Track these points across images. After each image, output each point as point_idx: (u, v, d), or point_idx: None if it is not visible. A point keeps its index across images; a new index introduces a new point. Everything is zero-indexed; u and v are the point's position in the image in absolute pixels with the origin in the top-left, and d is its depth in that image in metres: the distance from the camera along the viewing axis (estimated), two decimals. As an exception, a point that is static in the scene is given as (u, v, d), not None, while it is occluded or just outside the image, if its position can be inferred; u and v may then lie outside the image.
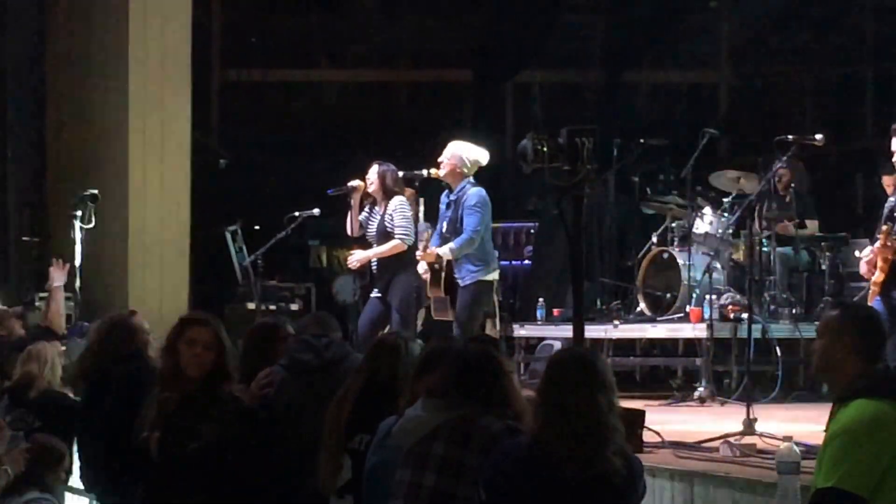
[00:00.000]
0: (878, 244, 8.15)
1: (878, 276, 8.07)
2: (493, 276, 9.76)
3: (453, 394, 4.68)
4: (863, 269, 8.31)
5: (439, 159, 9.72)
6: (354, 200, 10.02)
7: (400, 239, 9.75)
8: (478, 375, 4.68)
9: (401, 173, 9.94)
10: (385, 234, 9.82)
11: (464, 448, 4.57)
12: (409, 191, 10.01)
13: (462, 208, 9.57)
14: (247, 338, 6.55)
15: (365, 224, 9.98)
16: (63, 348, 8.54)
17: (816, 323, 9.97)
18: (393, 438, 4.87)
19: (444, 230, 9.72)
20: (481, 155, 9.76)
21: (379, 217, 9.90)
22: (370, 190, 9.97)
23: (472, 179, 9.68)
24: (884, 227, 8.19)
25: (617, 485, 4.21)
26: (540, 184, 8.36)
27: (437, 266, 9.56)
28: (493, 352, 4.86)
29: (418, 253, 9.59)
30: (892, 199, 8.32)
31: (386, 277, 9.84)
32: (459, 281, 9.58)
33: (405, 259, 9.76)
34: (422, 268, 9.66)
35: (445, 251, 9.52)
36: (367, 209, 10.02)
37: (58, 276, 9.31)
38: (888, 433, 4.13)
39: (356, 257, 10.05)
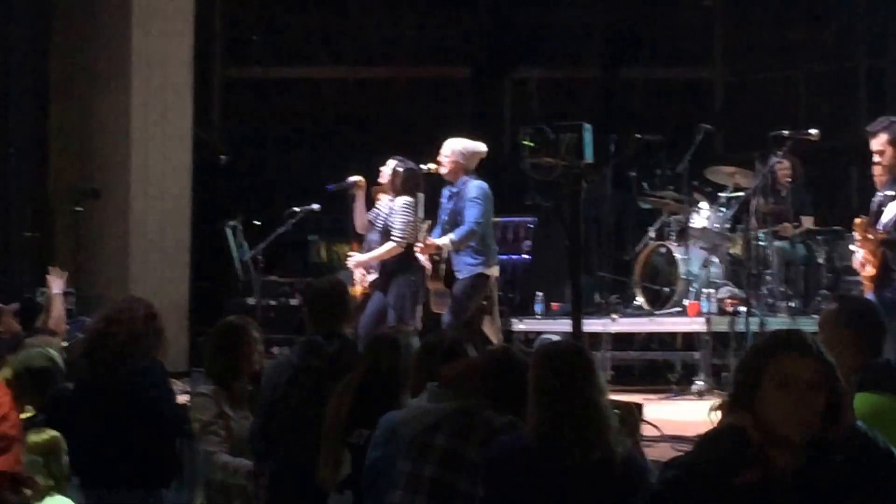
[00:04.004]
0: (858, 239, 8.18)
1: (869, 271, 8.08)
2: (492, 270, 9.80)
3: (466, 386, 4.73)
4: (857, 265, 8.37)
5: (438, 158, 9.77)
6: (358, 196, 10.05)
7: (395, 241, 9.76)
8: (513, 387, 4.63)
9: (411, 166, 9.93)
10: (386, 232, 9.86)
11: (465, 441, 4.62)
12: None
13: (463, 200, 9.61)
14: (213, 336, 6.62)
15: (374, 220, 10.00)
16: (64, 344, 8.59)
17: (814, 316, 10.12)
18: (397, 429, 4.93)
19: (445, 222, 9.77)
20: (479, 147, 9.82)
21: (385, 213, 9.92)
22: (381, 180, 9.97)
23: (473, 173, 9.75)
24: (856, 220, 8.22)
25: (618, 470, 4.24)
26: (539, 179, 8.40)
27: (436, 258, 9.59)
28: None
29: (418, 245, 9.62)
30: (879, 194, 8.33)
31: (385, 275, 9.88)
32: (457, 274, 9.62)
33: (404, 257, 9.81)
34: (422, 255, 9.70)
35: (446, 242, 9.54)
36: (376, 205, 10.04)
37: (56, 284, 9.24)
38: (888, 427, 4.18)
39: (355, 259, 10.08)
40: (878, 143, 8.25)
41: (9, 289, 11.89)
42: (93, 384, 6.39)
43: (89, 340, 6.44)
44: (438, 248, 9.55)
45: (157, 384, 6.38)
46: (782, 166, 11.38)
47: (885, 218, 8.09)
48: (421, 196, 9.84)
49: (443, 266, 9.60)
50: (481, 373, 4.78)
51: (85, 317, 10.94)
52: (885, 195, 8.23)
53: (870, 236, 8.01)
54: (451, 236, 9.54)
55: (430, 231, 9.70)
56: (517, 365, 4.70)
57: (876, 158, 8.30)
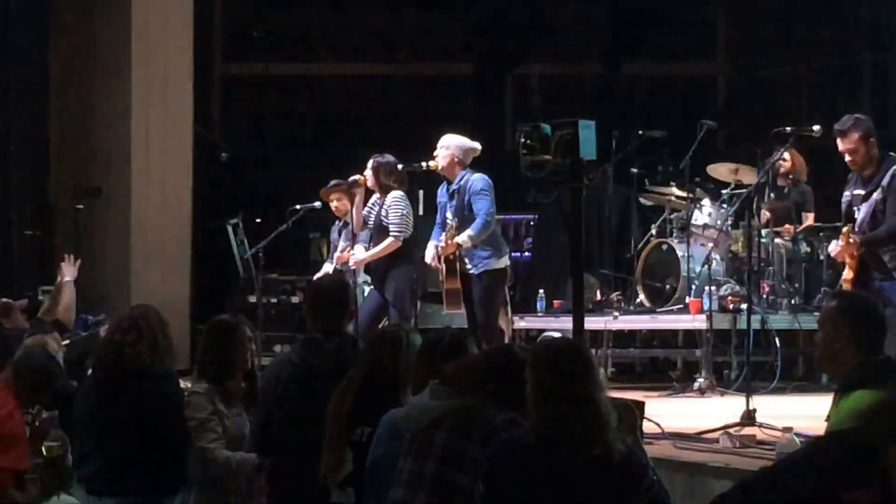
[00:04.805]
0: (841, 243, 8.07)
1: (847, 274, 7.98)
2: (504, 262, 9.77)
3: (467, 383, 4.72)
4: (834, 253, 8.31)
5: (434, 153, 9.77)
6: (358, 195, 10.05)
7: (394, 237, 9.75)
8: (515, 385, 4.56)
9: (399, 166, 9.96)
10: (381, 229, 9.84)
11: (466, 438, 4.58)
12: None
13: (468, 195, 9.60)
14: (205, 335, 6.55)
15: (367, 218, 10.01)
16: (66, 342, 8.57)
17: (815, 313, 10.10)
18: (399, 426, 4.92)
19: (448, 220, 9.74)
20: (474, 144, 9.85)
21: (377, 211, 9.92)
22: (368, 184, 10.00)
23: (468, 168, 9.75)
24: (844, 229, 8.11)
25: (618, 467, 4.20)
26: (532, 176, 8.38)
27: (451, 257, 9.56)
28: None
29: (440, 246, 9.59)
30: (847, 193, 8.22)
31: (380, 272, 9.87)
32: (472, 269, 9.59)
33: (399, 253, 9.79)
34: (429, 255, 9.68)
35: (465, 239, 9.51)
36: (370, 203, 10.06)
37: (69, 272, 9.21)
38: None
39: (355, 258, 10.07)
40: (849, 141, 8.04)
41: (10, 287, 11.90)
42: (109, 392, 6.34)
43: (112, 351, 6.37)
44: (459, 246, 9.52)
45: (173, 392, 6.38)
46: (785, 163, 11.37)
47: (859, 218, 8.03)
48: (420, 192, 9.84)
49: (457, 265, 9.57)
50: (482, 370, 4.77)
51: (87, 314, 10.93)
52: (854, 194, 8.13)
53: (850, 241, 7.92)
54: (469, 232, 9.51)
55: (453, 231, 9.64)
56: (518, 363, 4.69)
57: (848, 158, 8.10)
